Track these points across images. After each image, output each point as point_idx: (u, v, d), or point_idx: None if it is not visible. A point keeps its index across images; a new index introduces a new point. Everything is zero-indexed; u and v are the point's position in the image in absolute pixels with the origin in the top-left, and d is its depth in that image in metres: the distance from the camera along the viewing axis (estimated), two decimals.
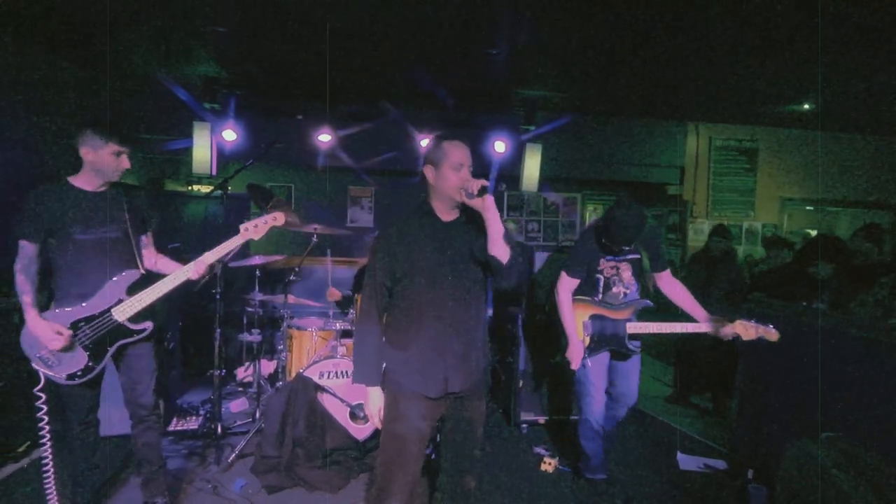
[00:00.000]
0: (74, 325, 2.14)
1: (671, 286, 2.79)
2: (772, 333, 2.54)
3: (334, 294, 4.16)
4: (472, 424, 1.92)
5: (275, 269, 4.71)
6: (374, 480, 1.93)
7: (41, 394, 2.13)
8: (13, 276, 2.10)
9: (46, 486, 2.22)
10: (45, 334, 2.07)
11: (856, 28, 3.50)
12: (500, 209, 7.01)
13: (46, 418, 2.15)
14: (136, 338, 2.27)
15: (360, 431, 3.24)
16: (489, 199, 1.74)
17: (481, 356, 1.91)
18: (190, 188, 6.54)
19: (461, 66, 4.61)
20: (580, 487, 2.99)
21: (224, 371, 3.44)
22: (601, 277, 2.81)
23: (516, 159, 5.68)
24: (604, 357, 2.80)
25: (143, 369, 2.34)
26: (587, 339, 2.76)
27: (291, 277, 3.77)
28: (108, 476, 2.82)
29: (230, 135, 4.99)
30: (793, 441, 2.37)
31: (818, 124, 6.30)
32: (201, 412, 3.70)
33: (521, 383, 3.77)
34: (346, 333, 3.67)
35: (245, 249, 4.39)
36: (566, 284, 2.77)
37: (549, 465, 3.21)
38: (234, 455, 3.09)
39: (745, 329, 2.55)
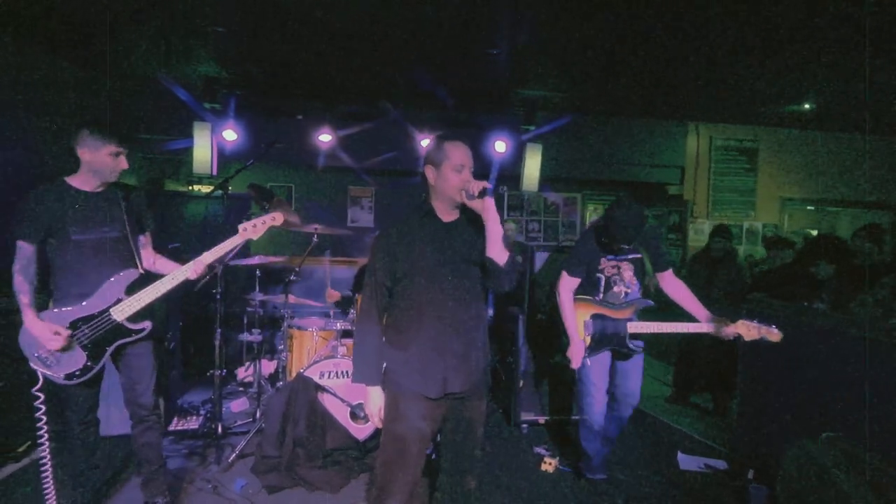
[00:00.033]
0: (73, 325, 2.14)
1: (673, 286, 2.78)
2: (774, 334, 2.52)
3: (333, 295, 4.16)
4: (473, 424, 1.91)
5: (275, 269, 4.72)
6: (374, 480, 1.93)
7: (39, 394, 2.12)
8: (11, 277, 2.10)
9: (45, 486, 2.22)
10: (43, 334, 2.07)
11: (856, 28, 3.50)
12: (501, 210, 7.03)
13: (45, 418, 2.15)
14: (134, 337, 2.27)
15: (361, 431, 3.24)
16: (489, 202, 1.74)
17: (481, 356, 1.91)
18: (190, 188, 6.54)
19: (461, 66, 4.61)
20: (580, 487, 2.99)
21: (225, 371, 3.44)
22: (602, 277, 2.80)
23: (517, 159, 5.67)
24: (605, 357, 2.79)
25: (142, 369, 2.34)
26: (588, 339, 2.75)
27: (292, 277, 3.77)
28: (108, 476, 2.82)
29: (231, 135, 4.99)
30: (793, 441, 2.37)
31: (818, 124, 6.31)
32: (202, 412, 3.70)
33: (521, 383, 3.77)
34: (346, 333, 3.67)
35: (246, 249, 4.39)
36: (567, 284, 2.77)
37: (549, 465, 3.20)
38: (234, 455, 3.09)
39: (748, 329, 2.53)
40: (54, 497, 2.24)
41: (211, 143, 4.97)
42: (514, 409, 3.82)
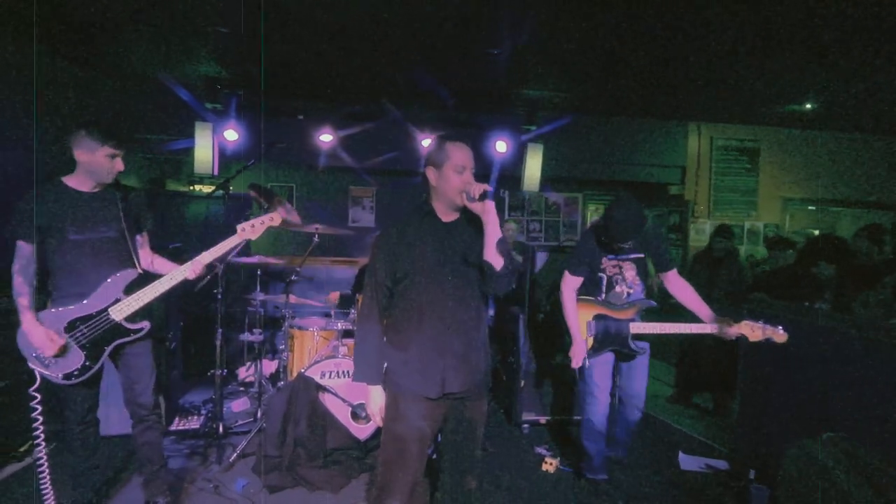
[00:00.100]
0: (71, 325, 2.14)
1: (678, 285, 2.77)
2: (780, 335, 2.49)
3: (333, 297, 4.16)
4: (473, 424, 1.91)
5: (276, 269, 4.72)
6: (375, 480, 1.93)
7: (36, 394, 2.12)
8: (11, 278, 2.10)
9: (43, 486, 2.22)
10: (39, 340, 2.07)
11: (856, 28, 3.50)
12: (502, 211, 7.03)
13: (41, 418, 2.14)
14: (133, 337, 2.27)
15: (362, 431, 3.24)
16: (489, 205, 1.74)
17: (482, 356, 1.90)
18: (191, 188, 6.54)
19: (461, 66, 4.61)
20: (581, 488, 2.98)
21: (225, 371, 3.44)
22: (604, 276, 2.80)
23: (517, 159, 5.68)
24: (608, 357, 2.79)
25: (141, 369, 2.34)
26: (590, 340, 2.75)
27: (293, 277, 3.77)
28: (108, 476, 2.82)
29: (232, 135, 5.00)
30: (794, 441, 2.37)
31: (819, 124, 6.30)
32: (203, 412, 3.70)
33: (522, 383, 3.77)
34: (347, 333, 3.67)
35: (247, 249, 4.39)
36: (569, 283, 2.77)
37: (550, 465, 3.20)
38: (235, 455, 3.09)
39: (752, 330, 2.51)
40: (53, 497, 2.24)
41: (212, 143, 4.97)
42: (515, 408, 3.82)
